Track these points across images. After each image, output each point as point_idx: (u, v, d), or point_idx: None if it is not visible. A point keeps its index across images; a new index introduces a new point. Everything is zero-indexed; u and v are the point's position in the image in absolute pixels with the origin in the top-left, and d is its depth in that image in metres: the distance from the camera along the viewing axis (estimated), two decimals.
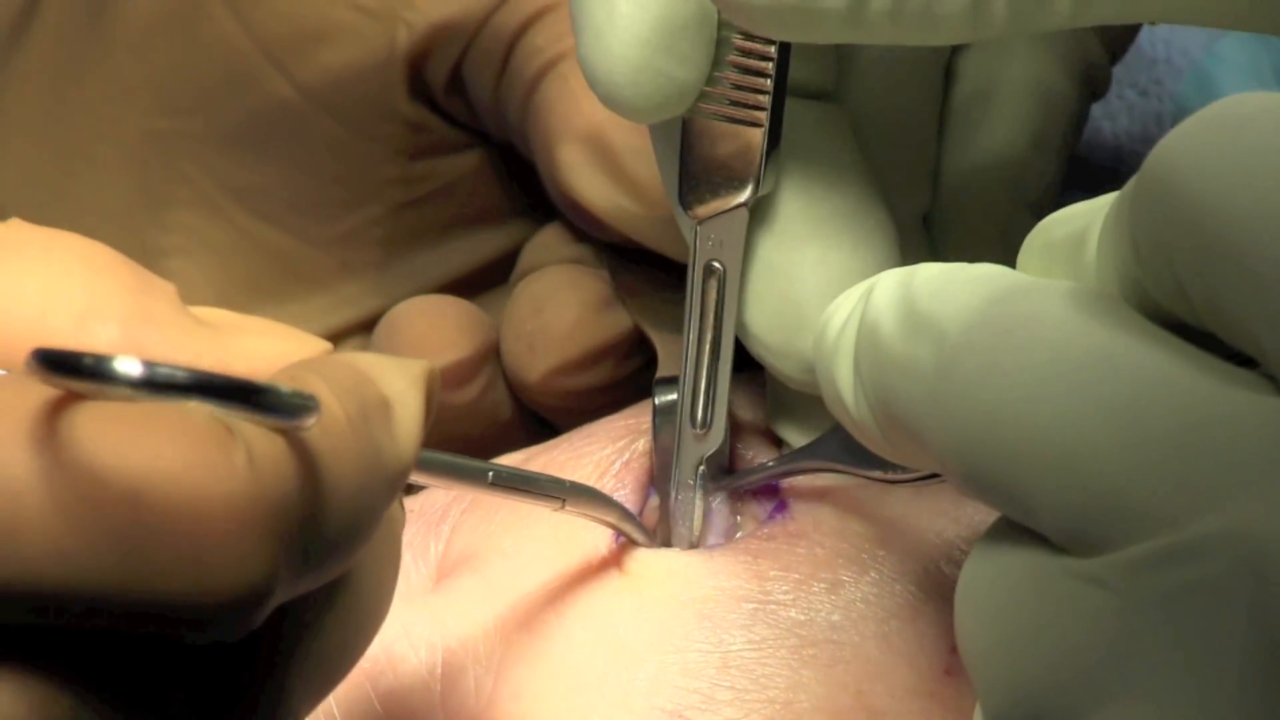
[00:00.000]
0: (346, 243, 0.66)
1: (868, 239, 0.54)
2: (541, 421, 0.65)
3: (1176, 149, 0.38)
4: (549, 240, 0.66)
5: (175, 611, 0.34)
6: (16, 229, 0.39)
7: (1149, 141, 0.66)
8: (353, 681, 0.52)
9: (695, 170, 0.53)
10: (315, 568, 0.36)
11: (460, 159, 0.66)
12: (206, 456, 0.34)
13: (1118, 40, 0.62)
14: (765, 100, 0.52)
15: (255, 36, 0.65)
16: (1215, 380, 0.38)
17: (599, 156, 0.61)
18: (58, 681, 0.34)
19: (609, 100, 0.51)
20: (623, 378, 0.64)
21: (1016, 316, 0.40)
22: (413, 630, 0.54)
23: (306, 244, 0.66)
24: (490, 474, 0.48)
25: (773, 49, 0.52)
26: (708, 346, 0.54)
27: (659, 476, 0.57)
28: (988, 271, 0.43)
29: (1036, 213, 0.57)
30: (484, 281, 0.67)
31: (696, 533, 0.56)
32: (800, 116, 0.54)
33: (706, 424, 0.55)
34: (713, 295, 0.54)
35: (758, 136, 0.52)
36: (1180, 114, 0.66)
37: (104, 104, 0.66)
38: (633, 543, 0.55)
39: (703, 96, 0.52)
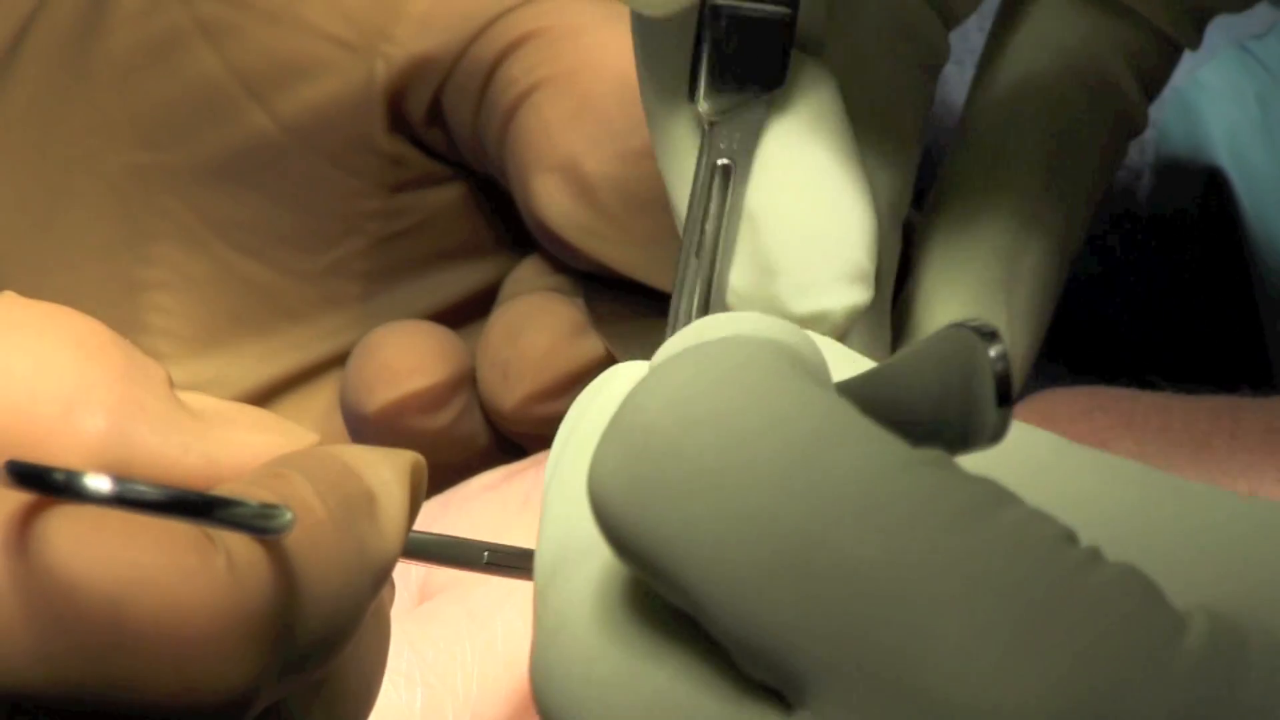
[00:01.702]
0: (328, 276, 0.66)
1: (844, 198, 0.49)
2: (519, 450, 0.65)
3: (597, 469, 0.35)
4: (527, 273, 0.66)
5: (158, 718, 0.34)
6: (9, 305, 0.38)
7: (1130, 168, 0.65)
8: None
9: (711, 63, 0.48)
10: (300, 669, 0.36)
11: (441, 192, 0.66)
12: (186, 563, 0.33)
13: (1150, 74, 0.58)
14: None
15: (235, 71, 0.65)
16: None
17: (574, 186, 0.61)
18: None
19: None
20: None
21: None
22: (393, 665, 0.54)
23: (288, 277, 0.66)
24: (485, 554, 0.47)
25: None
26: (707, 250, 0.49)
27: None
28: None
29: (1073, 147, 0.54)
30: (466, 315, 0.67)
31: None
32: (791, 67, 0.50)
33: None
34: (719, 197, 0.49)
35: (783, 23, 0.48)
36: (1163, 140, 0.66)
37: (85, 138, 0.66)
38: None
39: None
